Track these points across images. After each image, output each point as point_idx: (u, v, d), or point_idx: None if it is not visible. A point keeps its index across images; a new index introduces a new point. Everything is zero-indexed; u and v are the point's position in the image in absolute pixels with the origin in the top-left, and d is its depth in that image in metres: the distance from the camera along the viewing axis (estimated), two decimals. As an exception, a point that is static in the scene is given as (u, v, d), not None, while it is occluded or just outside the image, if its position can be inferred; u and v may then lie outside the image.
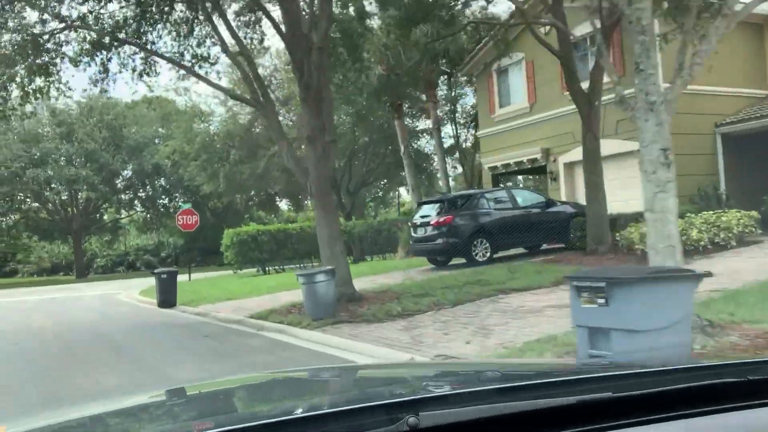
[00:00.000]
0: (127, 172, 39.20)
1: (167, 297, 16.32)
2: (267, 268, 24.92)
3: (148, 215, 46.56)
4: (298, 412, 1.24)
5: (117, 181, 39.94)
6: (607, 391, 1.28)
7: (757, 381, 1.35)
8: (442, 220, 15.86)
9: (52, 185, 37.08)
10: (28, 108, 14.19)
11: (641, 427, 1.23)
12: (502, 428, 1.19)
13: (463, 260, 15.89)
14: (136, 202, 45.91)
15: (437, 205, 16.63)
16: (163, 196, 45.44)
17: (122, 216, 48.23)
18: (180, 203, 48.87)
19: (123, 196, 41.65)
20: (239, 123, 30.88)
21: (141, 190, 41.33)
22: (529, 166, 21.35)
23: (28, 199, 40.33)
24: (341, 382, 2.07)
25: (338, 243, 11.98)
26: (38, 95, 13.72)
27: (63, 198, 39.85)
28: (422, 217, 16.63)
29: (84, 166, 36.26)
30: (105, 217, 49.39)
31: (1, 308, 19.66)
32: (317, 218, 12.13)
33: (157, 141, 39.73)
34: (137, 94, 36.08)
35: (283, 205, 54.08)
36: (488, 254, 15.96)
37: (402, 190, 46.04)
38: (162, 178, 40.50)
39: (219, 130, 30.05)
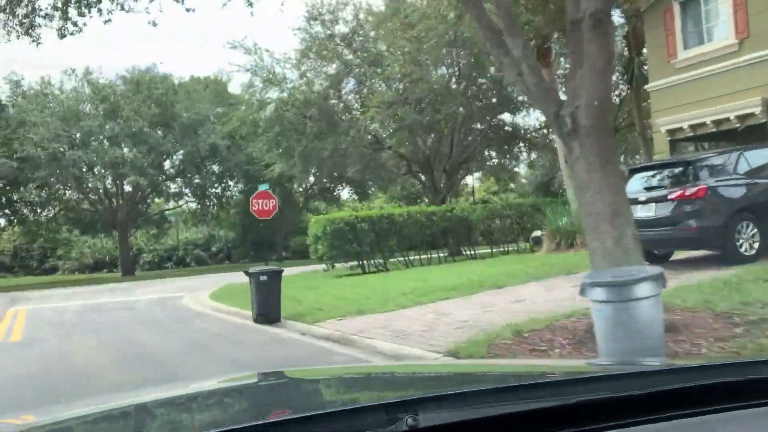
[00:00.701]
0: (178, 157, 34.21)
1: (269, 310, 11.09)
2: (366, 264, 19.58)
3: (199, 205, 41.70)
4: (297, 412, 1.22)
5: (167, 166, 34.96)
6: (606, 391, 1.27)
7: (757, 380, 1.33)
8: (691, 192, 10.28)
9: (95, 170, 32.32)
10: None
11: (640, 427, 1.22)
12: (501, 429, 1.18)
13: (686, 254, 10.41)
14: (186, 190, 41.10)
15: (671, 170, 11.06)
16: (216, 185, 40.53)
17: (170, 207, 43.49)
18: (235, 191, 44.29)
19: (173, 183, 36.70)
20: (314, 91, 25.64)
21: (195, 175, 36.38)
22: (738, 126, 15.58)
23: (68, 189, 35.77)
24: (341, 382, 2.04)
25: (628, 224, 6.50)
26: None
27: (107, 185, 35.08)
28: (647, 189, 11.06)
29: (131, 148, 31.39)
30: (151, 208, 44.88)
31: (34, 321, 14.69)
32: (581, 174, 6.60)
33: (212, 119, 34.75)
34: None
35: (345, 194, 48.90)
36: (757, 246, 10.38)
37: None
38: (216, 163, 35.43)
39: (292, 97, 24.81)
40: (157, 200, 44.29)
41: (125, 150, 31.17)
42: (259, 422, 1.16)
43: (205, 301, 16.68)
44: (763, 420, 1.28)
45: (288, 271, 25.47)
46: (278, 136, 25.54)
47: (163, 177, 33.71)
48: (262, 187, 20.77)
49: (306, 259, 46.04)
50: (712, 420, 1.26)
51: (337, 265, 20.24)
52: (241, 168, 34.65)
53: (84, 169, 31.99)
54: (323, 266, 20.30)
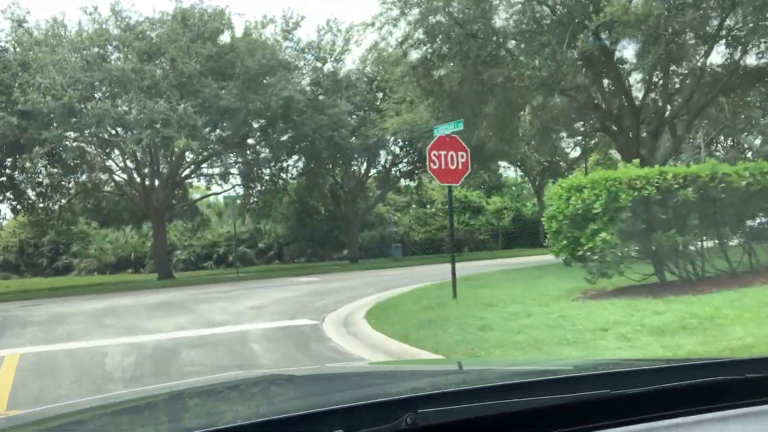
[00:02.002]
0: (239, 117, 24.88)
1: None
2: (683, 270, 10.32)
3: (250, 189, 32.44)
4: (295, 411, 1.21)
5: (222, 131, 25.71)
6: (605, 389, 1.26)
7: (755, 379, 1.34)
8: None
9: (128, 133, 23.24)
10: None
11: (639, 425, 1.22)
12: (501, 426, 1.18)
13: None
14: (233, 170, 32.00)
15: None
16: (272, 163, 31.14)
17: (215, 191, 34.23)
18: (293, 171, 35.27)
19: (227, 157, 27.48)
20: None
21: (261, 142, 27.08)
22: None
23: (84, 164, 26.77)
24: (340, 380, 2.04)
25: None
26: None
27: (140, 156, 25.93)
28: None
29: (178, 101, 22.28)
30: (189, 193, 35.81)
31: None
32: None
33: (286, 67, 25.58)
34: None
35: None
36: None
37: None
38: (288, 128, 26.17)
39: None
40: (196, 183, 35.31)
41: (167, 104, 21.94)
42: (257, 421, 1.14)
43: (370, 335, 7.85)
44: (762, 419, 1.28)
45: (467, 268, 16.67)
46: (432, 59, 16.37)
47: (222, 144, 24.38)
48: (444, 129, 11.68)
49: (380, 258, 38.89)
50: (711, 418, 1.25)
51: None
52: (324, 135, 25.41)
53: (112, 131, 22.85)
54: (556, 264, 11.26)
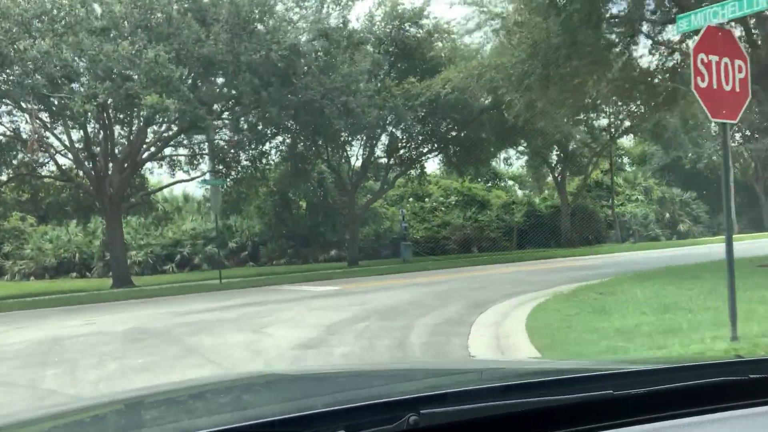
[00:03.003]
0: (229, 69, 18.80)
1: None
2: None
3: (221, 173, 26.27)
4: (298, 411, 1.20)
5: (206, 88, 19.65)
6: (608, 389, 1.25)
7: (758, 380, 1.33)
8: None
9: (76, 85, 17.17)
10: None
11: (642, 425, 1.21)
12: (504, 427, 1.17)
13: None
14: (205, 152, 25.98)
15: None
16: (252, 144, 25.19)
17: (179, 179, 27.90)
18: (275, 153, 29.03)
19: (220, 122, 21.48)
20: None
21: (252, 111, 20.97)
22: None
23: (16, 140, 20.53)
24: (342, 380, 2.01)
25: None
26: None
27: (90, 128, 19.82)
28: None
29: (146, 44, 16.35)
30: (148, 182, 29.50)
31: None
32: None
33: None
34: None
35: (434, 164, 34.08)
36: None
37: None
38: (292, 92, 20.25)
39: None
40: (157, 168, 29.05)
41: (132, 47, 15.99)
42: (259, 421, 1.13)
43: None
44: (765, 419, 1.27)
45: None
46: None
47: (205, 108, 18.23)
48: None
49: (382, 260, 33.21)
50: (714, 419, 1.25)
51: None
52: (336, 102, 19.77)
53: (57, 80, 16.61)
54: None
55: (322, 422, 1.11)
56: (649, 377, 1.38)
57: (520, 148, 34.02)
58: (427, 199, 36.65)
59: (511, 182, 45.19)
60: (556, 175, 33.59)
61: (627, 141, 40.78)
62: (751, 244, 25.30)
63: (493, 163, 38.10)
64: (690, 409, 1.26)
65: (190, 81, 17.22)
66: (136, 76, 15.89)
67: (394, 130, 25.86)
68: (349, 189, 28.41)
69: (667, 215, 37.42)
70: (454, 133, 27.79)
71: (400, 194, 37.86)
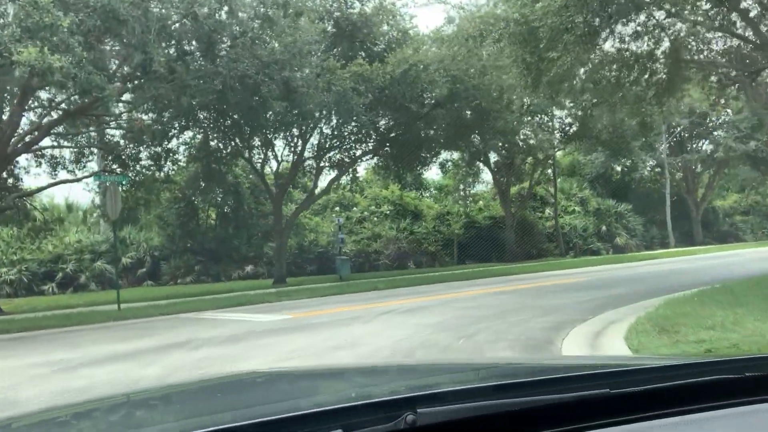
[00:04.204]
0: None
1: None
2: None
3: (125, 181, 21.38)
4: (296, 410, 1.21)
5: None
6: (605, 388, 1.25)
7: (754, 377, 1.34)
8: None
9: None
10: None
11: (638, 423, 1.21)
12: (500, 425, 1.18)
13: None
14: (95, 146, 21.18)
15: None
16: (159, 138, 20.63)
17: (60, 180, 22.49)
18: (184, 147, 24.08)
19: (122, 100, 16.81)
20: None
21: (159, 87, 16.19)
22: None
23: None
24: (340, 380, 2.02)
25: None
26: None
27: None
28: None
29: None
30: (22, 185, 23.85)
31: None
32: None
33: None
34: None
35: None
36: None
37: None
38: (218, 59, 15.85)
39: None
40: (35, 168, 23.61)
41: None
42: (256, 420, 1.13)
43: None
44: (761, 416, 1.27)
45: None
46: None
47: (102, 76, 13.57)
48: None
49: (311, 276, 27.53)
50: (711, 417, 1.25)
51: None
52: (276, 78, 15.67)
53: None
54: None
55: (319, 421, 1.10)
56: (645, 375, 1.37)
57: (456, 155, 31.12)
58: (355, 209, 32.94)
59: (436, 191, 42.37)
60: (501, 180, 30.81)
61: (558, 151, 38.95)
62: (724, 259, 23.47)
63: (422, 172, 35.03)
64: (686, 407, 1.25)
65: (83, 38, 12.63)
66: (2, 20, 11.26)
67: (336, 121, 21.94)
68: (275, 194, 24.19)
69: (604, 227, 35.66)
70: (393, 134, 24.26)
71: (323, 203, 33.96)
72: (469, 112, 21.78)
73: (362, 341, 8.61)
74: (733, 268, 18.49)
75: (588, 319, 9.54)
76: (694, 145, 39.49)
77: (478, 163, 31.29)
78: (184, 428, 1.34)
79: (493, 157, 30.54)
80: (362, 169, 30.44)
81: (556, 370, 1.72)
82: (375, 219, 31.45)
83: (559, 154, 39.21)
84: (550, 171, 34.68)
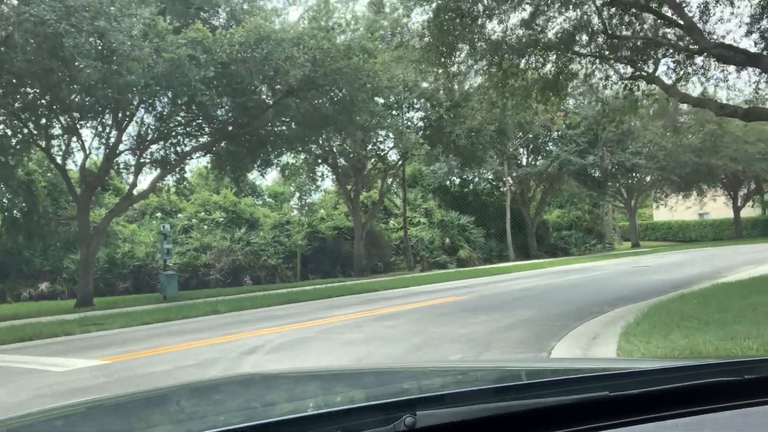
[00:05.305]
0: None
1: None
2: None
3: None
4: (295, 412, 1.22)
5: None
6: (604, 390, 1.26)
7: (753, 380, 1.33)
8: None
9: None
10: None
11: (638, 426, 1.21)
12: (499, 428, 1.17)
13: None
14: None
15: None
16: None
17: None
18: None
19: None
20: None
21: None
22: None
23: None
24: (339, 382, 2.00)
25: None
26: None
27: None
28: None
29: None
30: None
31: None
32: None
33: None
34: None
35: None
36: None
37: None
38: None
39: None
40: None
41: None
42: (255, 423, 1.12)
43: None
44: (760, 419, 1.27)
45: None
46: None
47: None
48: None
49: (117, 295, 21.74)
50: (709, 419, 1.25)
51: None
52: (86, 29, 11.46)
53: None
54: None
55: (318, 423, 1.09)
56: (644, 378, 1.37)
57: (302, 156, 27.91)
58: (180, 215, 28.37)
59: (270, 199, 38.79)
60: (349, 188, 28.01)
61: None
62: (588, 273, 22.55)
63: (251, 176, 31.32)
64: (685, 410, 1.24)
65: None
66: None
67: (163, 106, 17.74)
68: (80, 196, 19.30)
69: (447, 240, 34.34)
70: (233, 127, 20.48)
71: (140, 208, 28.99)
72: (327, 103, 18.70)
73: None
74: (610, 282, 17.27)
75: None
76: (530, 159, 39.79)
77: (323, 167, 28.31)
78: (182, 430, 1.35)
79: (341, 161, 27.75)
80: (190, 170, 26.15)
81: (556, 372, 1.73)
82: (205, 227, 27.20)
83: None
84: (390, 181, 32.71)
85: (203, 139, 20.97)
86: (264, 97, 17.79)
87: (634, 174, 43.51)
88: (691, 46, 12.29)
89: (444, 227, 34.68)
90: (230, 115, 19.14)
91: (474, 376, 1.85)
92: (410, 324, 10.72)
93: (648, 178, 45.94)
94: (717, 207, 54.48)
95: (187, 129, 20.34)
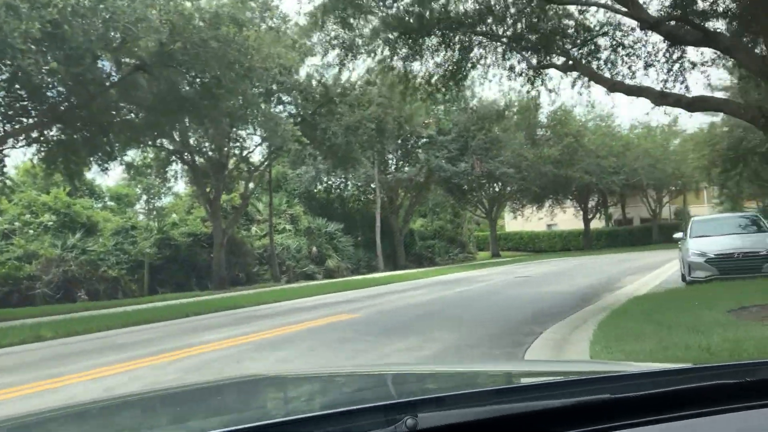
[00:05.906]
0: None
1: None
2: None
3: None
4: (296, 414, 1.22)
5: None
6: (605, 392, 1.25)
7: (755, 383, 1.31)
8: None
9: None
10: None
11: (639, 428, 1.20)
12: (500, 430, 1.16)
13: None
14: None
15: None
16: None
17: None
18: None
19: None
20: None
21: None
22: None
23: None
24: (339, 383, 1.99)
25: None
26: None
27: None
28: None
29: None
30: None
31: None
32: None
33: None
34: None
35: None
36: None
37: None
38: None
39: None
40: None
41: None
42: (256, 424, 1.11)
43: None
44: (761, 422, 1.26)
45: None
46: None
47: None
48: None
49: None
50: (710, 422, 1.24)
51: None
52: None
53: None
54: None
55: (318, 425, 1.09)
56: (645, 380, 1.36)
57: (151, 152, 24.23)
58: (-2, 218, 23.60)
59: (112, 202, 34.27)
60: (207, 191, 24.67)
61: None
62: (478, 284, 21.02)
63: (89, 175, 27.10)
64: (686, 411, 1.23)
65: None
66: None
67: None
68: None
69: (315, 249, 31.89)
70: (65, 107, 16.73)
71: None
72: (187, 84, 15.62)
73: None
74: (509, 294, 15.75)
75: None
76: (400, 164, 38.39)
77: (176, 164, 24.80)
78: (182, 431, 1.36)
79: (199, 159, 24.41)
80: (12, 163, 21.72)
81: (557, 374, 1.73)
82: (30, 232, 22.73)
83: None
84: (252, 184, 29.76)
85: (28, 122, 16.98)
86: (107, 70, 14.41)
87: (498, 183, 43.58)
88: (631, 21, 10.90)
89: (311, 235, 32.19)
90: (62, 91, 15.45)
91: (474, 378, 1.85)
92: (306, 356, 8.21)
93: (508, 189, 46.38)
94: (565, 218, 56.54)
95: (4, 108, 16.32)
